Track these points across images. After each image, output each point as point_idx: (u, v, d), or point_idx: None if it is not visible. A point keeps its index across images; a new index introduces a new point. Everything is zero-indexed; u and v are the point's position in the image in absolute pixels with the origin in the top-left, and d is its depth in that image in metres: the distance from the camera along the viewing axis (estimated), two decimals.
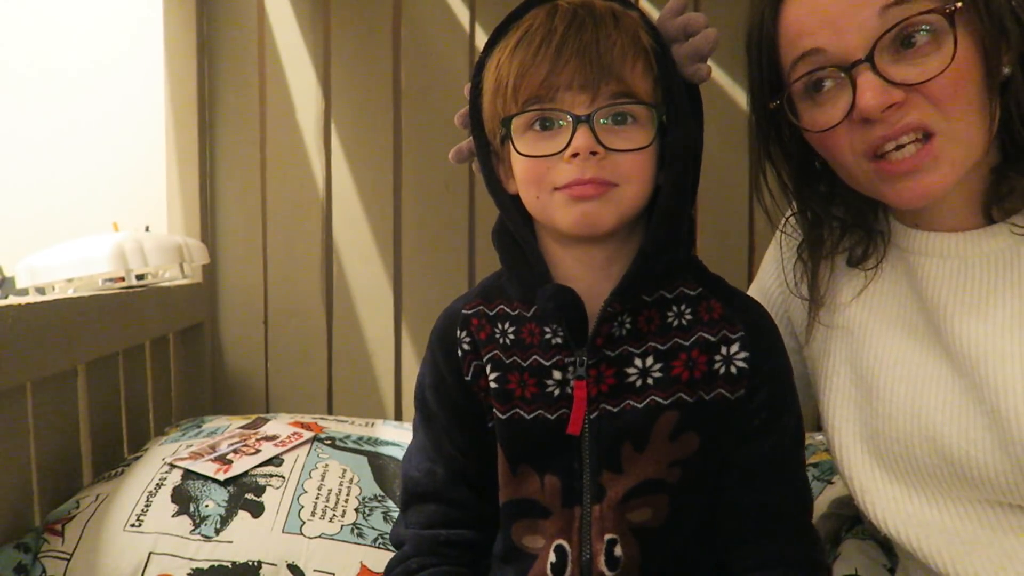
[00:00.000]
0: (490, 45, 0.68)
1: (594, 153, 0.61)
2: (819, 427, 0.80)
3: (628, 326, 0.66)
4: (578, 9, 0.63)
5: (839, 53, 0.63)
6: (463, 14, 1.48)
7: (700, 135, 0.69)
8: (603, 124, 0.62)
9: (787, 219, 0.82)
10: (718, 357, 0.65)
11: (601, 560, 0.64)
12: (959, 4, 0.59)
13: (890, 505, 0.70)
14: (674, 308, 0.67)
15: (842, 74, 0.63)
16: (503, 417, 0.67)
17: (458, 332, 0.71)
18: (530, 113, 0.63)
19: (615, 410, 0.65)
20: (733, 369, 0.65)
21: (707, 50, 0.68)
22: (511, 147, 0.65)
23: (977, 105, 0.62)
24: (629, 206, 0.64)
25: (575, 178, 0.61)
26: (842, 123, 0.64)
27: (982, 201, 0.67)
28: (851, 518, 0.91)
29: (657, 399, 0.65)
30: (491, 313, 0.71)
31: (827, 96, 0.66)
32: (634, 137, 0.63)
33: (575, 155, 0.61)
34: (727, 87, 1.44)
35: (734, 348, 0.66)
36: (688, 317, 0.67)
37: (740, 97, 1.44)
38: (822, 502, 0.94)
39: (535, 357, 0.67)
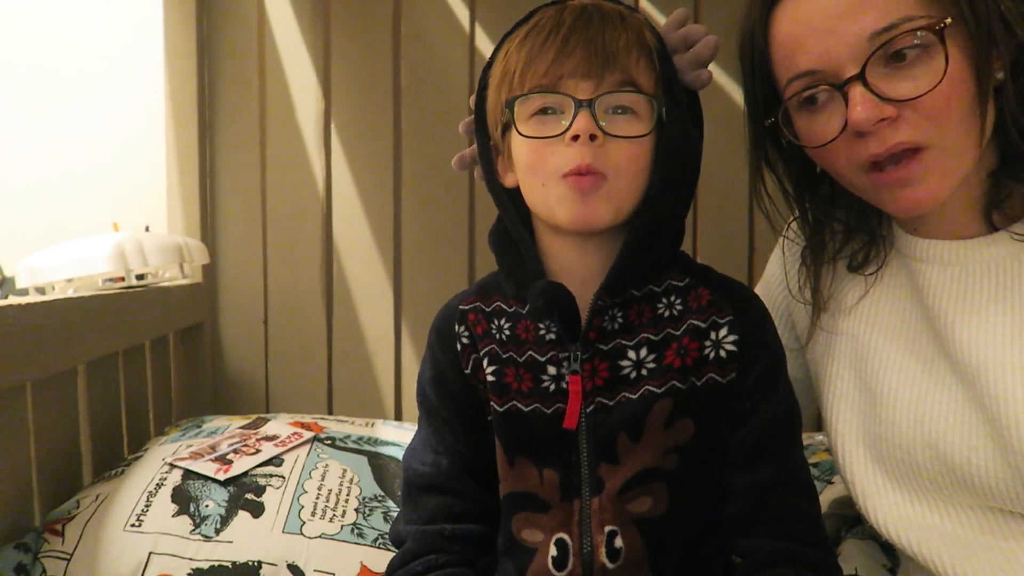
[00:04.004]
0: (498, 48, 0.70)
1: (593, 138, 0.62)
2: (820, 427, 0.80)
3: (620, 320, 0.67)
4: (587, 6, 0.66)
5: (832, 71, 0.63)
6: (463, 14, 1.48)
7: (700, 143, 0.70)
8: (604, 112, 0.63)
9: (789, 224, 0.82)
10: (708, 342, 0.66)
11: (602, 552, 0.64)
12: (948, 21, 0.59)
13: (892, 510, 0.70)
14: (664, 300, 0.68)
15: (835, 91, 0.63)
16: (500, 410, 0.68)
17: (456, 327, 0.72)
18: (535, 101, 0.64)
19: (611, 403, 0.66)
20: (723, 353, 0.66)
21: (708, 56, 0.70)
22: (513, 133, 0.66)
23: (970, 115, 0.62)
24: (621, 200, 0.64)
25: (576, 164, 0.62)
26: (838, 138, 0.65)
27: (982, 207, 0.67)
28: (851, 518, 0.91)
29: (651, 388, 0.65)
30: (488, 309, 0.72)
31: (822, 110, 0.66)
32: (632, 127, 0.64)
33: (575, 138, 0.62)
34: (727, 87, 1.44)
35: (723, 332, 0.66)
36: (678, 307, 0.67)
37: (740, 97, 1.44)
38: (822, 502, 0.94)
39: (530, 353, 0.68)
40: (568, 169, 0.62)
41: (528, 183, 0.67)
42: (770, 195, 0.77)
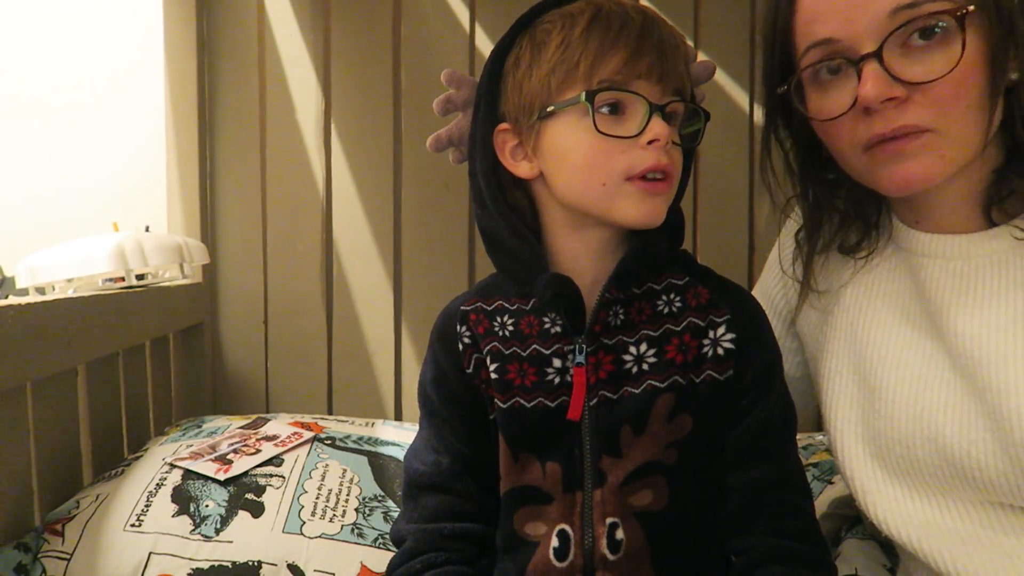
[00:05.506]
0: (523, 29, 0.69)
1: (675, 143, 0.64)
2: (820, 427, 0.80)
3: (622, 316, 0.67)
4: (638, 7, 0.66)
5: (850, 44, 0.64)
6: (463, 14, 1.48)
7: None
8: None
9: (788, 200, 0.82)
10: (706, 340, 0.67)
11: (603, 543, 0.65)
12: (971, 8, 0.59)
13: (891, 506, 0.71)
14: (663, 297, 0.69)
15: (850, 66, 0.64)
16: (503, 406, 0.68)
17: (458, 327, 0.72)
18: (607, 97, 0.63)
19: (614, 397, 0.66)
20: (720, 350, 0.67)
21: (704, 77, 0.73)
22: (554, 123, 0.65)
23: (977, 107, 0.62)
24: (670, 200, 0.67)
25: (653, 163, 0.63)
26: (846, 113, 0.65)
27: (983, 202, 0.67)
28: (851, 518, 0.91)
29: (654, 383, 0.66)
30: (489, 308, 0.72)
31: (834, 84, 0.66)
32: (674, 135, 0.66)
33: (652, 141, 0.62)
34: (727, 87, 1.44)
35: (720, 331, 0.67)
36: (677, 304, 0.68)
37: (740, 97, 1.44)
38: (822, 502, 0.94)
39: (535, 346, 0.69)
40: (644, 167, 0.63)
41: (580, 179, 0.65)
42: (775, 171, 0.77)
